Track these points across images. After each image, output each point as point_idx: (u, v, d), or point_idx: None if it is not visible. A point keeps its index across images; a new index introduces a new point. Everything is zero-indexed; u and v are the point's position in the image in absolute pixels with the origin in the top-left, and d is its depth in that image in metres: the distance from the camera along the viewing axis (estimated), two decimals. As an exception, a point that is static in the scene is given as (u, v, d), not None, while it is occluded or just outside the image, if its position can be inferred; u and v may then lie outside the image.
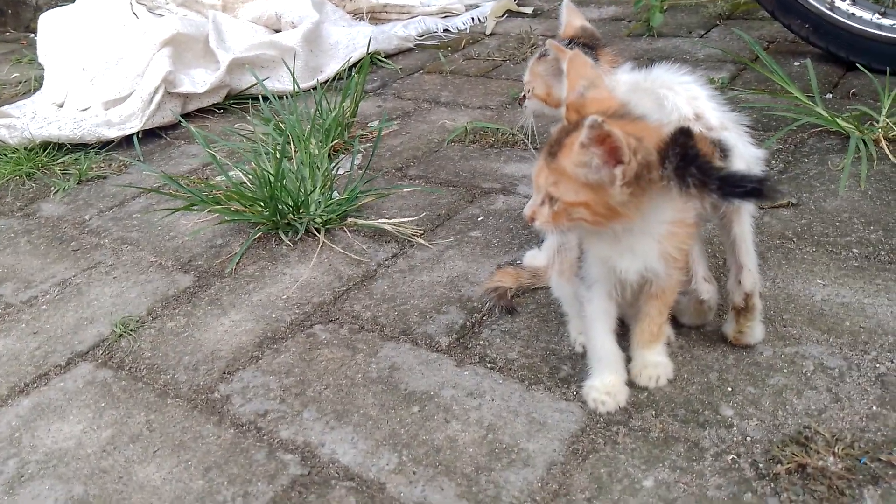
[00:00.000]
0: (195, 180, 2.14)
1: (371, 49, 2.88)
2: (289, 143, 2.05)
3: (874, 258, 1.46)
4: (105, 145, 2.46)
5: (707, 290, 1.23)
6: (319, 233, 1.78)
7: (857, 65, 2.24)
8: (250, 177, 1.91)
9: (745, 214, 1.17)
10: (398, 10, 3.59)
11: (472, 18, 3.56)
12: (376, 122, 2.43)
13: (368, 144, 2.26)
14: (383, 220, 1.80)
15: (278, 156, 1.83)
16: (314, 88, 2.75)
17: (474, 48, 3.18)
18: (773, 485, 1.01)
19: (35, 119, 2.52)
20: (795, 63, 2.49)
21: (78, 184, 2.25)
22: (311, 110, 2.27)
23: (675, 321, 1.29)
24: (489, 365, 1.31)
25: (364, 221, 1.81)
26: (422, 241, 1.73)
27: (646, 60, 2.62)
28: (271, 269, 1.68)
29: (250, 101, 2.67)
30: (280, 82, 2.80)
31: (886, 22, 2.25)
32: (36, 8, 4.40)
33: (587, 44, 1.40)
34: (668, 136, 0.98)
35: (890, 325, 1.27)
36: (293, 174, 1.88)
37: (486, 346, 1.35)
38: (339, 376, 1.32)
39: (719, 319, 1.31)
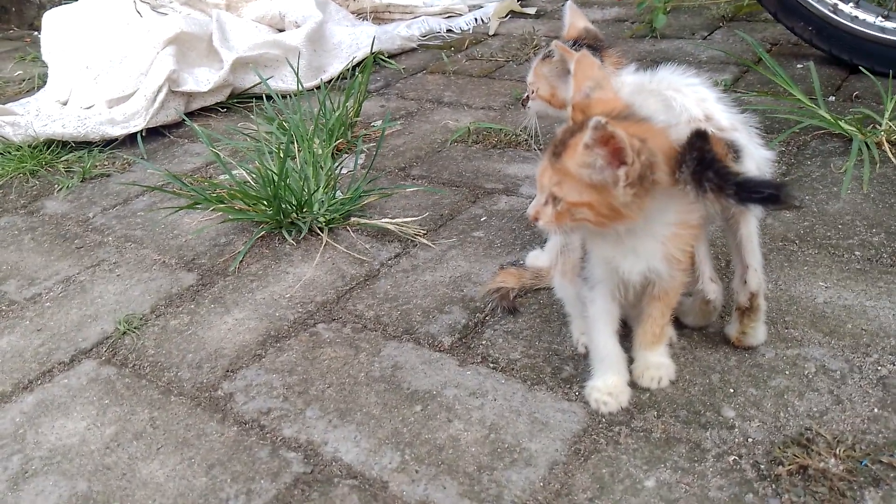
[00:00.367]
0: (199, 179, 2.15)
1: (374, 49, 2.88)
2: (292, 143, 2.06)
3: (876, 261, 1.46)
4: (109, 143, 2.47)
5: (713, 290, 1.23)
6: (323, 232, 1.79)
7: (860, 67, 2.24)
8: (254, 176, 1.92)
9: (751, 216, 1.18)
10: (401, 11, 3.60)
11: (476, 19, 3.56)
12: (379, 122, 2.43)
13: (372, 144, 2.27)
14: (386, 220, 1.81)
15: (282, 155, 1.84)
16: (318, 88, 2.76)
17: (477, 49, 3.19)
18: (774, 486, 1.02)
19: (39, 117, 2.53)
20: (798, 65, 2.49)
21: (82, 181, 2.26)
22: (314, 110, 2.27)
23: (678, 322, 1.30)
24: (492, 365, 1.31)
25: (367, 221, 1.82)
26: (425, 241, 1.73)
27: (649, 62, 2.62)
28: (274, 268, 1.69)
29: (254, 101, 2.68)
30: (283, 81, 2.81)
31: (889, 25, 2.25)
32: (40, 6, 4.41)
33: (591, 45, 1.41)
34: (684, 141, 0.99)
35: (892, 328, 1.28)
36: (297, 173, 1.88)
37: (489, 346, 1.36)
38: (342, 375, 1.33)
39: (721, 321, 1.31)
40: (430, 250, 1.70)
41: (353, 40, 3.09)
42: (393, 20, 3.57)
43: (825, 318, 1.32)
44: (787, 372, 1.21)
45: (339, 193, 1.90)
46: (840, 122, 1.92)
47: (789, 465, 1.04)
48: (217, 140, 2.26)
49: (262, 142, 2.15)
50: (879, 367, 1.20)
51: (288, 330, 1.47)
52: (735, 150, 1.10)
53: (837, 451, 1.05)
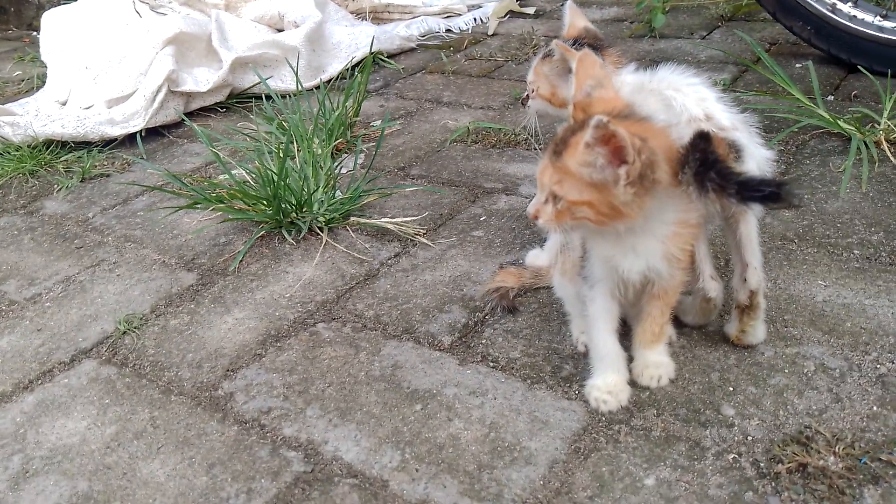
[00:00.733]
0: (198, 179, 2.15)
1: (373, 49, 2.88)
2: (292, 142, 2.06)
3: (875, 259, 1.47)
4: (108, 143, 2.47)
5: (714, 289, 1.23)
6: (322, 232, 1.79)
7: (859, 67, 2.24)
8: (253, 175, 1.92)
9: (750, 214, 1.18)
10: (400, 10, 3.60)
11: (475, 19, 3.57)
12: (379, 122, 2.43)
13: (371, 144, 2.27)
14: (386, 220, 1.81)
15: (281, 155, 1.84)
16: (317, 88, 2.76)
17: (476, 48, 3.19)
18: (773, 484, 1.02)
19: (38, 117, 2.53)
20: (797, 65, 2.49)
21: (81, 181, 2.26)
22: (313, 109, 2.27)
23: (677, 321, 1.30)
24: (491, 364, 1.31)
25: (367, 220, 1.82)
26: (424, 241, 1.73)
27: (648, 62, 2.63)
28: (274, 268, 1.69)
29: (253, 100, 2.68)
30: (283, 81, 2.81)
31: (888, 24, 2.25)
32: (38, 6, 4.41)
33: (591, 44, 1.41)
34: (687, 142, 0.99)
35: (891, 327, 1.28)
36: (296, 173, 1.88)
37: (489, 345, 1.36)
38: (342, 374, 1.33)
39: (721, 320, 1.32)
40: (430, 250, 1.70)
41: (352, 40, 3.09)
42: (392, 20, 3.57)
43: (824, 317, 1.32)
44: (786, 370, 1.21)
45: (338, 193, 1.91)
46: (839, 122, 1.93)
47: (789, 463, 1.04)
48: (216, 140, 2.26)
49: (262, 142, 2.15)
50: (878, 366, 1.20)
51: (288, 329, 1.47)
52: (736, 150, 1.10)
53: (837, 449, 1.05)
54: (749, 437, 1.10)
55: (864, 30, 2.28)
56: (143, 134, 2.46)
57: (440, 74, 2.91)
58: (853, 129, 1.90)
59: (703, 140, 0.98)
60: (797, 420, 1.12)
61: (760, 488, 1.02)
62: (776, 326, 1.31)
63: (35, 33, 3.95)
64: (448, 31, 3.47)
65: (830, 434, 1.08)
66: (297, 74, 2.45)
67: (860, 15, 2.30)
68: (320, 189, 1.87)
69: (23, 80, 3.30)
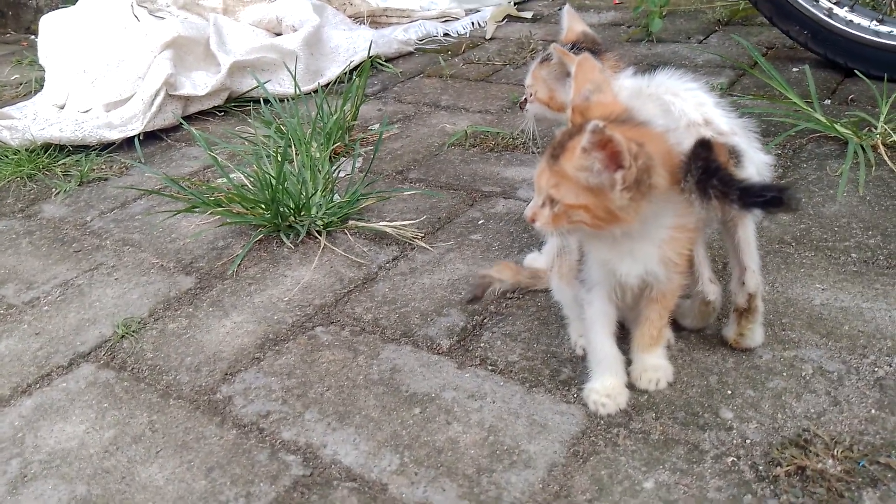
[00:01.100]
0: (196, 182, 2.15)
1: (371, 53, 2.89)
2: (290, 146, 2.06)
3: (872, 263, 1.47)
4: (106, 147, 2.47)
5: (713, 291, 1.24)
6: (321, 235, 1.79)
7: (856, 71, 2.25)
8: (251, 179, 1.92)
9: (749, 218, 1.19)
10: (398, 15, 3.61)
11: (472, 23, 3.57)
12: (377, 126, 2.44)
13: (369, 148, 2.27)
14: (384, 223, 1.81)
15: (279, 158, 1.84)
16: (315, 92, 2.76)
17: (474, 52, 3.20)
18: (772, 487, 1.02)
19: (36, 120, 2.52)
20: (794, 69, 2.50)
21: (79, 185, 2.26)
22: (312, 113, 2.28)
23: (675, 324, 1.30)
24: (490, 367, 1.32)
25: (365, 224, 1.82)
26: (422, 244, 1.73)
27: (645, 66, 2.63)
28: (273, 271, 1.69)
29: (251, 104, 2.68)
30: (281, 85, 2.81)
31: (884, 29, 2.26)
32: (37, 10, 4.41)
33: (589, 48, 1.41)
34: (689, 151, 1.00)
35: (888, 330, 1.28)
36: (294, 177, 1.89)
37: (487, 349, 1.36)
38: (341, 378, 1.33)
39: (719, 323, 1.32)
40: (428, 253, 1.70)
41: (350, 44, 3.10)
42: (390, 24, 3.58)
43: (822, 320, 1.33)
44: (784, 373, 1.22)
45: (336, 197, 1.91)
46: (836, 126, 1.93)
47: (787, 465, 1.04)
48: (215, 144, 2.26)
49: (260, 145, 2.15)
50: (876, 369, 1.20)
51: (286, 333, 1.47)
52: (735, 155, 1.11)
53: (835, 452, 1.05)
54: (748, 441, 1.10)
55: (861, 34, 2.29)
56: (141, 138, 2.46)
57: (438, 78, 2.92)
58: (850, 132, 1.91)
59: (704, 148, 0.99)
60: (795, 423, 1.12)
61: (759, 491, 1.02)
62: (774, 330, 1.31)
63: (33, 37, 3.95)
64: (446, 34, 3.47)
65: (829, 437, 1.08)
66: (295, 78, 2.45)
67: (857, 19, 2.31)
68: (318, 193, 1.87)
69: (21, 84, 3.30)
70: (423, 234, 1.77)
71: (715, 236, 1.49)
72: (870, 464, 1.03)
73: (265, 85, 2.50)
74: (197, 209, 1.88)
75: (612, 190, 0.98)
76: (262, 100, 2.55)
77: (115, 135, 2.46)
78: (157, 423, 1.27)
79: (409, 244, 1.74)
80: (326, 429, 1.21)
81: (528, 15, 3.65)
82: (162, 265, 1.77)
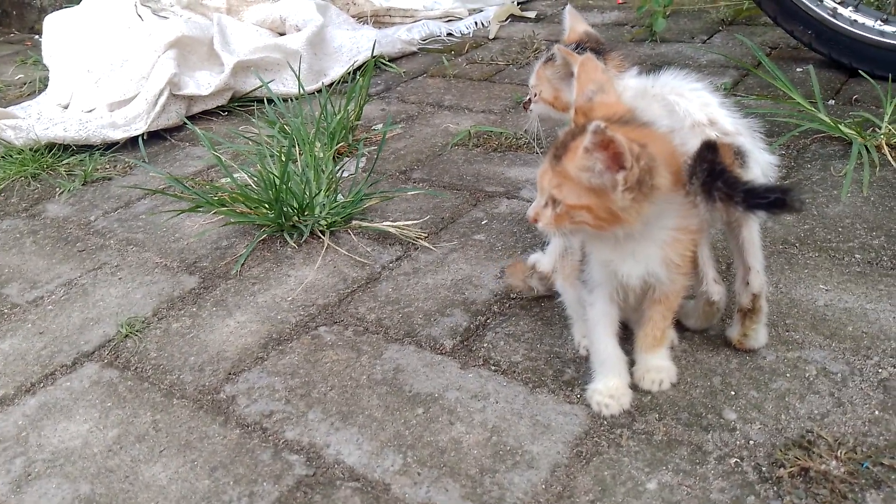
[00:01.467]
0: (200, 182, 2.15)
1: (375, 53, 2.89)
2: (294, 146, 2.07)
3: (876, 264, 1.47)
4: (110, 147, 2.47)
5: (718, 292, 1.23)
6: (324, 235, 1.79)
7: (860, 71, 2.25)
8: (255, 179, 1.92)
9: (753, 219, 1.18)
10: (402, 14, 3.61)
11: (476, 22, 3.57)
12: (380, 126, 2.44)
13: (373, 147, 2.28)
14: (387, 223, 1.81)
15: (283, 158, 1.84)
16: (319, 91, 2.77)
17: (478, 52, 3.19)
18: (775, 488, 1.02)
19: (40, 120, 2.53)
20: (798, 69, 2.50)
21: (83, 185, 2.26)
22: (315, 113, 2.28)
23: (679, 325, 1.30)
24: (493, 367, 1.32)
25: (368, 224, 1.82)
26: (426, 244, 1.73)
27: (649, 66, 2.63)
28: (276, 271, 1.69)
29: (255, 104, 2.68)
30: (284, 85, 2.81)
31: (889, 29, 2.26)
32: (41, 9, 4.42)
33: (593, 48, 1.41)
34: (694, 153, 1.00)
35: (892, 331, 1.28)
36: (298, 177, 1.89)
37: (491, 349, 1.36)
38: (344, 378, 1.33)
39: (722, 324, 1.32)
40: (431, 253, 1.70)
41: (353, 44, 3.10)
42: (393, 24, 3.58)
43: (826, 321, 1.33)
44: (788, 374, 1.21)
45: (340, 197, 1.91)
46: (840, 126, 1.93)
47: (791, 467, 1.04)
48: (218, 143, 2.27)
49: (264, 145, 2.15)
50: (880, 370, 1.20)
51: (290, 333, 1.48)
52: (741, 156, 1.11)
53: (839, 454, 1.05)
54: (751, 442, 1.10)
55: (865, 34, 2.28)
56: (144, 137, 2.46)
57: (441, 78, 2.92)
58: (854, 133, 1.90)
59: (709, 150, 0.99)
60: (799, 424, 1.12)
61: (762, 492, 1.02)
62: (778, 331, 1.31)
63: (37, 37, 3.95)
64: (449, 34, 3.47)
65: (832, 438, 1.08)
66: (298, 78, 2.46)
67: (861, 19, 2.31)
68: (322, 193, 1.88)
69: (25, 84, 3.31)
70: (426, 234, 1.77)
71: (719, 236, 1.49)
72: (873, 465, 1.03)
73: (269, 84, 2.51)
74: (201, 209, 1.88)
75: (613, 191, 0.98)
76: (265, 99, 2.55)
77: (119, 134, 2.47)
78: (160, 423, 1.27)
79: (413, 244, 1.74)
80: (330, 428, 1.22)
81: (532, 14, 3.65)
82: (165, 265, 1.77)
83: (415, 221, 1.83)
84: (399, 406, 1.25)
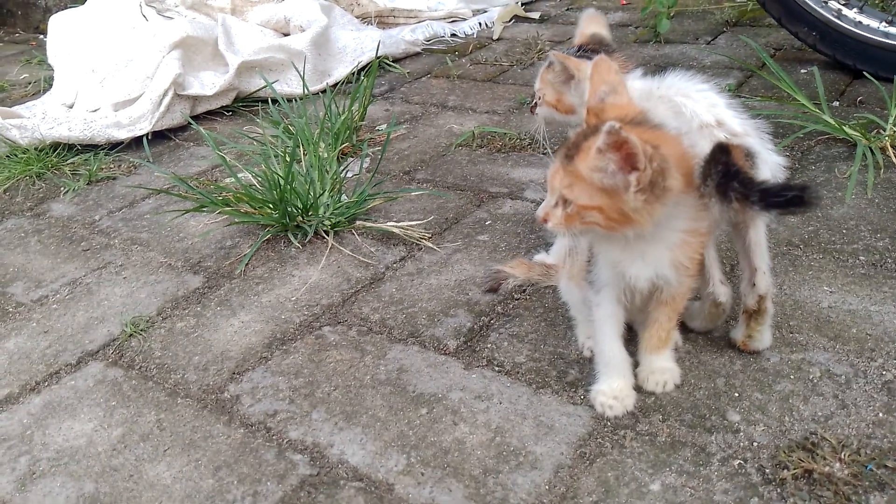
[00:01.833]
0: (205, 182, 2.16)
1: (379, 53, 2.89)
2: (298, 146, 2.07)
3: (881, 266, 1.47)
4: (115, 146, 2.48)
5: (724, 293, 1.23)
6: (328, 235, 1.79)
7: (864, 73, 2.25)
8: (259, 179, 1.92)
9: (760, 220, 1.18)
10: (406, 15, 3.61)
11: (480, 23, 3.58)
12: (384, 126, 2.44)
13: (377, 148, 2.28)
14: (391, 223, 1.81)
15: (288, 158, 1.84)
16: (323, 92, 2.77)
17: (482, 53, 3.20)
18: (779, 490, 1.02)
19: (45, 120, 2.54)
20: (802, 70, 2.50)
21: (88, 184, 2.27)
22: (319, 113, 2.28)
23: (683, 326, 1.30)
24: (497, 368, 1.32)
25: (372, 224, 1.82)
26: (430, 245, 1.74)
27: (653, 66, 2.63)
28: (280, 271, 1.69)
29: (259, 104, 2.69)
30: (289, 85, 2.82)
31: (893, 30, 2.25)
32: (45, 9, 4.43)
33: (594, 49, 1.41)
34: (708, 155, 1.01)
35: (896, 333, 1.28)
36: (302, 177, 1.89)
37: (494, 350, 1.36)
38: (348, 378, 1.33)
39: (726, 326, 1.32)
40: (435, 254, 1.70)
41: (357, 44, 3.10)
42: (397, 24, 3.58)
43: (830, 323, 1.32)
44: (792, 376, 1.21)
45: (344, 197, 1.91)
46: (844, 127, 1.93)
47: (794, 469, 1.04)
48: (223, 143, 2.27)
49: (268, 145, 2.16)
50: (884, 372, 1.20)
51: (294, 332, 1.48)
52: (750, 157, 1.11)
53: (842, 456, 1.05)
54: (755, 443, 1.10)
55: (870, 36, 2.28)
56: (149, 137, 2.46)
57: (445, 79, 2.92)
58: (858, 134, 1.90)
59: (723, 152, 0.99)
60: (803, 426, 1.12)
61: (766, 494, 1.02)
62: (782, 332, 1.31)
63: (42, 36, 3.97)
64: (453, 35, 3.48)
65: (836, 440, 1.08)
66: (303, 78, 2.46)
67: (866, 21, 2.30)
68: (326, 193, 1.88)
69: (30, 83, 3.32)
70: (430, 235, 1.78)
71: (723, 238, 1.49)
72: (877, 468, 1.03)
73: (273, 85, 2.51)
74: (205, 209, 1.88)
75: (626, 192, 0.98)
76: (270, 100, 2.55)
77: (124, 134, 2.47)
78: (164, 422, 1.27)
79: (417, 244, 1.75)
80: (333, 428, 1.22)
81: (536, 15, 3.65)
82: (170, 264, 1.78)
83: (419, 222, 1.83)
84: (403, 406, 1.25)
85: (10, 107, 2.83)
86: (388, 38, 3.20)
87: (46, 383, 1.41)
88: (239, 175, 1.96)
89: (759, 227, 1.19)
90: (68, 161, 2.40)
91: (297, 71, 2.58)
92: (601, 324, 1.17)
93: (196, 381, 1.37)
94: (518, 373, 1.30)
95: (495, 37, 3.40)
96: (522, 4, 3.79)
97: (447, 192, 1.98)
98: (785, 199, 0.97)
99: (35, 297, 1.69)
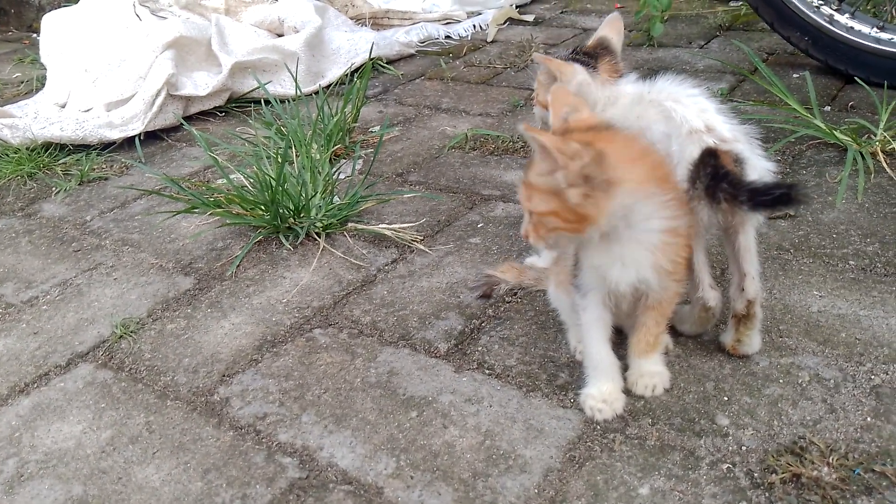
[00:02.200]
0: (196, 183, 2.15)
1: (373, 55, 2.89)
2: (290, 148, 2.07)
3: (870, 270, 1.47)
4: (107, 146, 2.47)
5: (714, 297, 1.24)
6: (320, 237, 1.79)
7: (856, 78, 2.26)
8: (251, 180, 1.92)
9: (750, 225, 1.19)
10: (400, 17, 3.61)
11: (474, 25, 3.58)
12: (377, 128, 2.44)
13: (369, 150, 2.28)
14: (383, 226, 1.81)
15: (280, 160, 1.84)
16: (316, 93, 2.76)
17: (475, 55, 3.20)
18: (767, 494, 1.02)
19: (37, 119, 2.53)
20: (794, 75, 2.51)
21: (79, 185, 2.26)
22: (312, 115, 2.28)
23: (673, 330, 1.31)
24: (487, 371, 1.32)
25: (364, 226, 1.82)
26: (421, 247, 1.74)
27: (646, 70, 2.64)
28: (271, 273, 1.69)
29: (252, 105, 2.68)
30: (282, 86, 2.82)
31: (885, 36, 2.27)
32: (39, 8, 4.42)
33: (588, 53, 1.42)
34: (696, 159, 1.05)
35: (885, 338, 1.29)
36: (294, 178, 1.89)
37: (485, 353, 1.36)
38: (338, 380, 1.33)
39: (716, 330, 1.32)
40: (427, 256, 1.70)
41: (351, 46, 3.10)
42: (392, 26, 3.58)
43: (819, 327, 1.33)
44: (781, 380, 1.22)
45: (336, 199, 1.91)
46: (835, 132, 1.94)
47: (783, 473, 1.04)
48: (215, 144, 2.27)
49: (261, 146, 2.15)
50: (873, 377, 1.21)
51: (284, 335, 1.48)
52: (739, 162, 1.11)
53: (831, 460, 1.05)
54: (743, 447, 1.10)
55: (862, 41, 2.29)
56: (141, 137, 2.46)
57: (439, 81, 2.92)
58: (850, 139, 1.91)
59: (711, 156, 1.03)
60: (791, 430, 1.12)
61: (754, 498, 1.02)
62: (771, 336, 1.31)
63: (35, 35, 3.95)
64: (447, 37, 3.48)
65: (824, 445, 1.08)
66: (296, 80, 2.46)
67: (857, 26, 2.32)
68: (318, 194, 1.88)
69: (22, 83, 3.31)
70: (422, 237, 1.78)
71: (713, 242, 1.49)
72: (865, 472, 1.04)
73: (266, 86, 2.51)
74: (196, 210, 1.88)
75: (564, 190, 1.01)
76: (262, 101, 2.55)
77: (116, 134, 2.46)
78: (154, 424, 1.27)
79: (409, 247, 1.75)
80: (323, 431, 1.22)
81: (530, 18, 3.66)
82: (161, 265, 1.77)
83: (411, 224, 1.83)
84: (393, 409, 1.25)
85: (2, 106, 2.81)
86: (382, 40, 3.20)
87: (35, 385, 1.40)
88: (231, 176, 1.96)
89: (749, 232, 1.19)
90: (60, 161, 2.39)
91: (290, 72, 2.58)
92: (588, 327, 1.17)
93: (186, 383, 1.36)
94: (508, 376, 1.30)
95: (489, 39, 3.40)
96: (517, 7, 3.79)
97: (440, 195, 1.98)
98: (772, 197, 0.99)
99: (25, 298, 1.69)
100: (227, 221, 1.86)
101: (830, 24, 2.34)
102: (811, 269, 1.50)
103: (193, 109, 2.69)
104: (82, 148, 2.45)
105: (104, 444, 1.24)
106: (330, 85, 2.89)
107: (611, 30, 1.45)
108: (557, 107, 1.14)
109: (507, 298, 1.51)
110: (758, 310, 1.23)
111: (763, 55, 2.74)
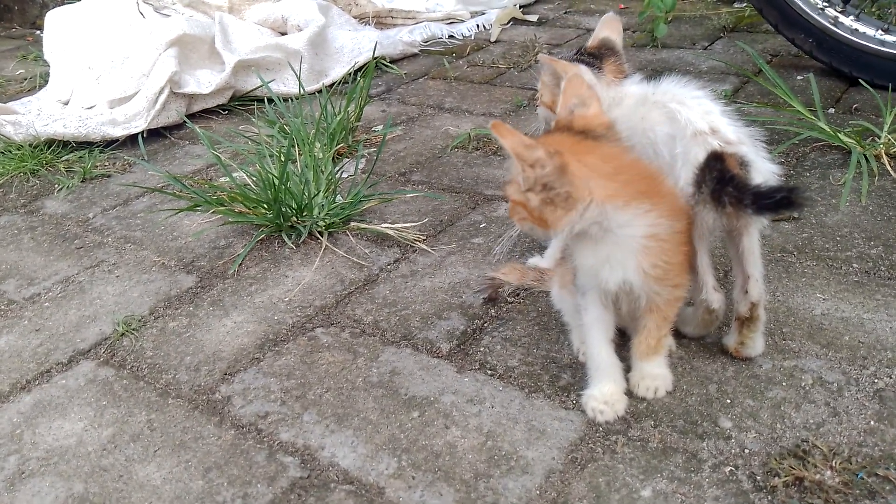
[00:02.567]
0: (199, 181, 2.15)
1: (376, 54, 2.89)
2: (293, 146, 2.07)
3: (874, 273, 1.47)
4: (109, 144, 2.47)
5: (717, 300, 1.23)
6: (322, 236, 1.79)
7: (860, 80, 2.25)
8: (254, 179, 1.92)
9: (754, 227, 1.18)
10: (404, 16, 3.61)
11: (478, 25, 3.57)
12: (380, 127, 2.44)
13: (372, 149, 2.28)
14: (386, 225, 1.81)
15: (282, 158, 1.84)
16: (319, 92, 2.76)
17: (479, 55, 3.20)
18: (770, 497, 1.02)
19: (40, 116, 2.53)
20: (798, 77, 2.50)
21: (82, 182, 2.26)
22: (315, 114, 2.28)
23: (676, 332, 1.30)
24: (489, 372, 1.31)
25: (367, 226, 1.82)
26: (424, 247, 1.73)
27: (650, 71, 2.63)
28: (274, 272, 1.69)
29: (255, 103, 2.68)
30: (285, 85, 2.81)
31: (889, 38, 2.26)
32: (42, 5, 4.42)
33: (593, 53, 1.41)
34: (702, 163, 1.06)
35: (889, 341, 1.28)
36: (297, 177, 1.89)
37: (487, 353, 1.36)
38: (340, 380, 1.33)
39: (719, 332, 1.32)
40: (430, 256, 1.70)
41: (355, 45, 3.10)
42: (395, 25, 3.58)
43: (823, 330, 1.33)
44: (784, 383, 1.21)
45: (339, 198, 1.91)
46: (839, 135, 1.93)
47: (785, 476, 1.04)
48: (218, 142, 2.26)
49: (263, 145, 2.15)
50: (876, 380, 1.20)
51: (286, 334, 1.47)
52: (744, 165, 1.11)
53: (833, 464, 1.05)
54: (746, 450, 1.10)
55: (866, 43, 2.29)
56: (144, 135, 2.46)
57: (442, 80, 2.92)
58: (853, 142, 1.90)
59: (717, 160, 1.03)
60: (794, 433, 1.12)
61: (757, 502, 1.02)
62: (774, 339, 1.31)
63: (38, 32, 3.95)
64: (451, 37, 3.47)
65: (827, 448, 1.08)
66: (299, 78, 2.45)
67: (862, 28, 2.31)
68: (321, 193, 1.88)
69: (25, 79, 3.31)
70: (424, 237, 1.77)
71: (717, 244, 1.49)
72: (868, 476, 1.03)
73: (269, 84, 2.51)
74: (199, 208, 1.88)
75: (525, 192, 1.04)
76: (266, 99, 2.55)
77: (119, 132, 2.46)
78: (155, 422, 1.27)
79: (411, 246, 1.74)
80: (325, 430, 1.21)
81: (534, 18, 3.65)
82: (163, 263, 1.77)
83: (413, 224, 1.83)
84: (394, 409, 1.25)
85: (5, 102, 2.81)
86: (386, 39, 3.19)
87: (37, 382, 1.40)
88: (234, 174, 1.95)
89: (753, 235, 1.19)
90: (63, 158, 2.39)
91: (294, 70, 2.57)
92: (589, 328, 1.17)
93: (187, 381, 1.36)
94: (510, 377, 1.30)
95: (493, 39, 3.40)
96: (520, 7, 3.79)
97: (442, 194, 1.98)
98: (775, 200, 1.00)
99: (27, 295, 1.69)
100: (230, 220, 1.86)
101: (835, 25, 2.34)
102: (815, 271, 1.49)
103: (196, 107, 2.69)
104: (85, 145, 2.45)
105: (105, 441, 1.24)
106: (333, 84, 2.89)
107: (611, 30, 1.45)
108: (568, 96, 1.14)
109: (509, 299, 1.51)
110: (761, 312, 1.22)
111: (767, 57, 2.73)
